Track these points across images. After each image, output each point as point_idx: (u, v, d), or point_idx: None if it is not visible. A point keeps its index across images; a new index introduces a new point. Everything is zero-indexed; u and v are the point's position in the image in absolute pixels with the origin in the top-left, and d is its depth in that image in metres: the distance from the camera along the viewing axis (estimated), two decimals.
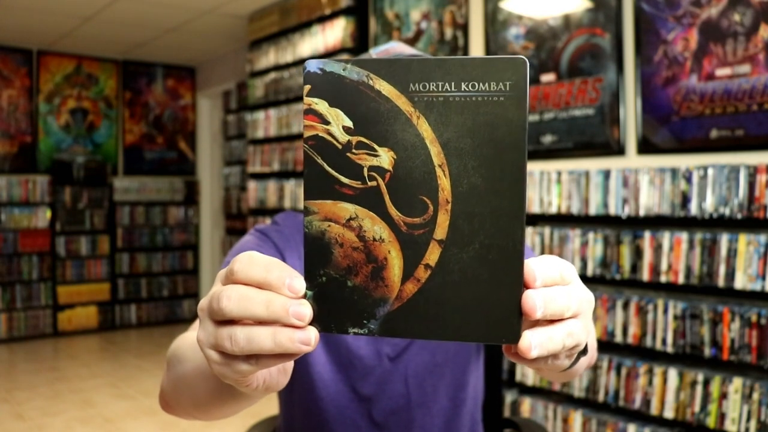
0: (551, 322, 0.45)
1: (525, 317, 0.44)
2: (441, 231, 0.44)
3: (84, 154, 6.33)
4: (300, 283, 0.43)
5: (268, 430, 1.25)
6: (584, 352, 0.60)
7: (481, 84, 0.43)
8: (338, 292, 0.45)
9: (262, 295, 0.43)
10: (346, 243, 0.45)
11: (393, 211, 0.44)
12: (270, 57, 4.77)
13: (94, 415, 3.83)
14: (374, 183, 0.44)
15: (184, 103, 6.96)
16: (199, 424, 3.72)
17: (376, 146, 0.44)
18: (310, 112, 0.44)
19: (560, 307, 0.45)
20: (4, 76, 5.95)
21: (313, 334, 0.43)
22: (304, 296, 0.44)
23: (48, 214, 6.04)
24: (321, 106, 0.44)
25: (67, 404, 4.04)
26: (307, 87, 0.44)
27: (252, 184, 4.95)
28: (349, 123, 0.44)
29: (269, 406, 3.40)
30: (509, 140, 0.43)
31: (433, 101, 0.44)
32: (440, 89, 0.43)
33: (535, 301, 0.43)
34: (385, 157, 0.44)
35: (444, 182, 0.44)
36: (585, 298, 0.48)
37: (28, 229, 5.92)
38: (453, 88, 0.43)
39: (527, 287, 0.44)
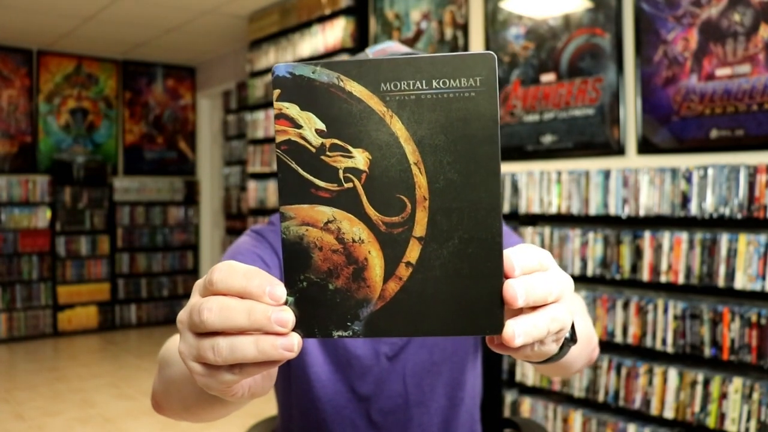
0: (534, 308, 0.46)
1: (507, 306, 0.44)
2: (420, 228, 0.44)
3: (84, 154, 6.33)
4: (281, 290, 0.43)
5: (268, 430, 1.25)
6: (573, 340, 0.59)
7: (452, 80, 0.43)
8: (320, 296, 0.44)
9: (243, 304, 0.43)
10: (325, 246, 0.44)
11: (371, 211, 0.44)
12: (270, 57, 4.77)
13: (94, 415, 3.83)
14: (350, 184, 0.44)
15: (184, 103, 6.96)
16: (200, 424, 3.72)
17: (350, 147, 0.44)
18: (281, 116, 0.44)
19: (542, 294, 0.45)
20: (4, 76, 5.95)
21: (296, 340, 0.43)
22: (286, 303, 0.44)
23: (48, 214, 6.04)
24: (292, 110, 0.44)
25: (67, 404, 4.04)
26: (277, 91, 0.44)
27: (252, 184, 4.96)
28: (321, 126, 0.44)
29: (269, 407, 3.40)
30: (482, 134, 0.43)
31: (405, 100, 0.43)
32: (412, 87, 0.43)
33: (516, 290, 0.44)
34: (360, 158, 0.44)
35: (420, 179, 0.44)
36: (565, 282, 0.48)
37: (28, 229, 5.92)
38: (424, 86, 0.43)
39: (507, 277, 0.45)
